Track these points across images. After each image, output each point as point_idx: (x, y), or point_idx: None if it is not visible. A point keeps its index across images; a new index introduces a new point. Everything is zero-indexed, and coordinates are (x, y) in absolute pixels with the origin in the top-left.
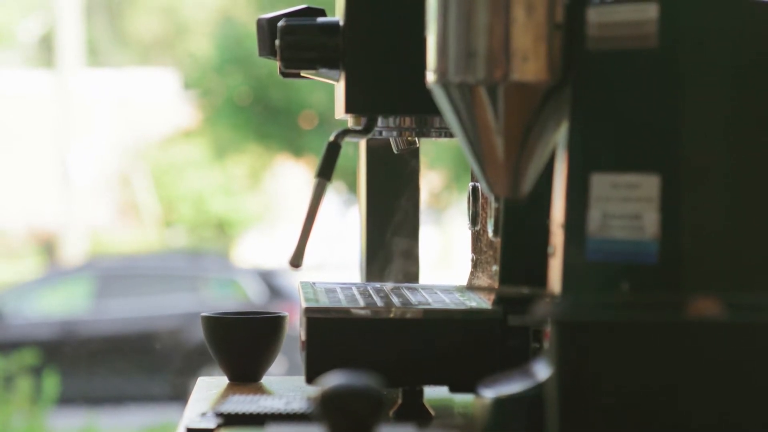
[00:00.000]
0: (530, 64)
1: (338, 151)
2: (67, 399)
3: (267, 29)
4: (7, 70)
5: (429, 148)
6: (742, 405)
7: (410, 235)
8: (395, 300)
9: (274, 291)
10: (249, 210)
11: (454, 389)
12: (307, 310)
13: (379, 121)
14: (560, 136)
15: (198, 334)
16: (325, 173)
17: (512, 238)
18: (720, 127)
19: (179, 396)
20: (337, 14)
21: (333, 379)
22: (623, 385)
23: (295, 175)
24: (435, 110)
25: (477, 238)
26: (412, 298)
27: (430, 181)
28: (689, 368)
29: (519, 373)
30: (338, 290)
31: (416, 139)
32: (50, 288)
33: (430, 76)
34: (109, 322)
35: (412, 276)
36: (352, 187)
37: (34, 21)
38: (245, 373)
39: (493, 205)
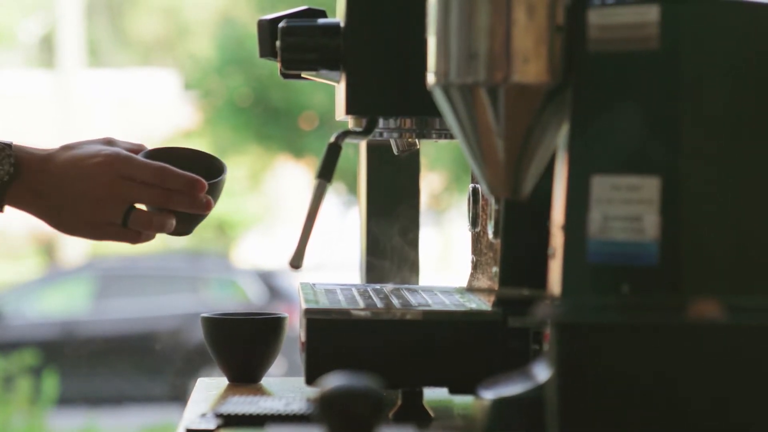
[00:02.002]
0: (531, 65)
1: (339, 153)
2: (66, 399)
3: (268, 30)
4: (7, 70)
5: (429, 149)
6: (742, 407)
7: (410, 237)
8: (395, 301)
9: (274, 292)
10: (249, 211)
11: (453, 391)
12: (307, 311)
13: (380, 123)
14: (561, 138)
15: (198, 334)
16: (326, 174)
17: (512, 239)
18: (721, 129)
19: (179, 397)
20: (338, 15)
21: (333, 381)
22: (623, 387)
23: (295, 176)
24: (435, 112)
25: (477, 240)
26: (412, 299)
27: (430, 182)
28: (690, 370)
29: (519, 375)
30: (338, 291)
31: (416, 140)
32: (50, 288)
33: (431, 78)
34: (109, 323)
35: (412, 277)
36: (353, 188)
37: (35, 21)
38: (245, 374)
39: (494, 206)
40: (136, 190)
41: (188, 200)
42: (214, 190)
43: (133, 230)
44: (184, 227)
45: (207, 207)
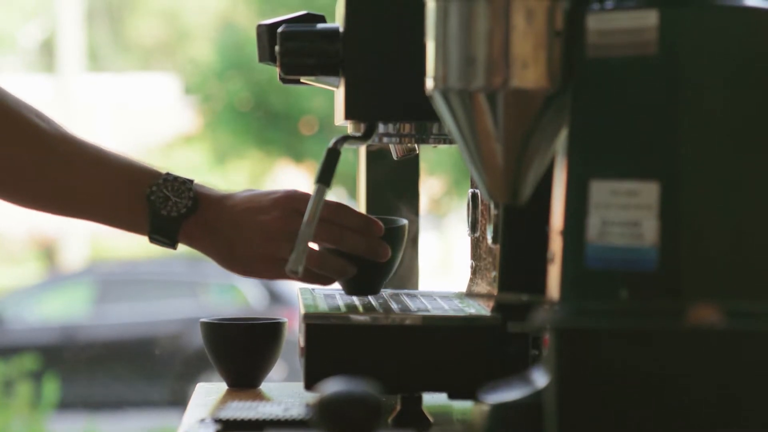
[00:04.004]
0: (530, 71)
1: (337, 158)
2: (66, 404)
3: (267, 35)
4: (8, 74)
5: (429, 154)
6: (742, 413)
7: (410, 242)
8: (394, 306)
9: (274, 296)
10: None
11: (453, 396)
12: (306, 317)
13: (379, 128)
14: (560, 143)
15: (198, 339)
16: (325, 179)
17: (511, 244)
18: (720, 134)
19: (178, 401)
20: (337, 20)
21: (331, 386)
22: (622, 393)
23: (295, 181)
24: (435, 117)
25: (476, 245)
26: (411, 304)
27: (430, 187)
28: (689, 376)
29: (518, 380)
30: (337, 296)
31: (416, 145)
32: (50, 293)
33: (430, 83)
34: (109, 328)
35: (411, 282)
36: (353, 193)
37: (35, 26)
38: (244, 379)
39: (493, 211)
40: None
41: (362, 241)
42: (393, 239)
43: (306, 269)
44: (365, 281)
45: (382, 254)
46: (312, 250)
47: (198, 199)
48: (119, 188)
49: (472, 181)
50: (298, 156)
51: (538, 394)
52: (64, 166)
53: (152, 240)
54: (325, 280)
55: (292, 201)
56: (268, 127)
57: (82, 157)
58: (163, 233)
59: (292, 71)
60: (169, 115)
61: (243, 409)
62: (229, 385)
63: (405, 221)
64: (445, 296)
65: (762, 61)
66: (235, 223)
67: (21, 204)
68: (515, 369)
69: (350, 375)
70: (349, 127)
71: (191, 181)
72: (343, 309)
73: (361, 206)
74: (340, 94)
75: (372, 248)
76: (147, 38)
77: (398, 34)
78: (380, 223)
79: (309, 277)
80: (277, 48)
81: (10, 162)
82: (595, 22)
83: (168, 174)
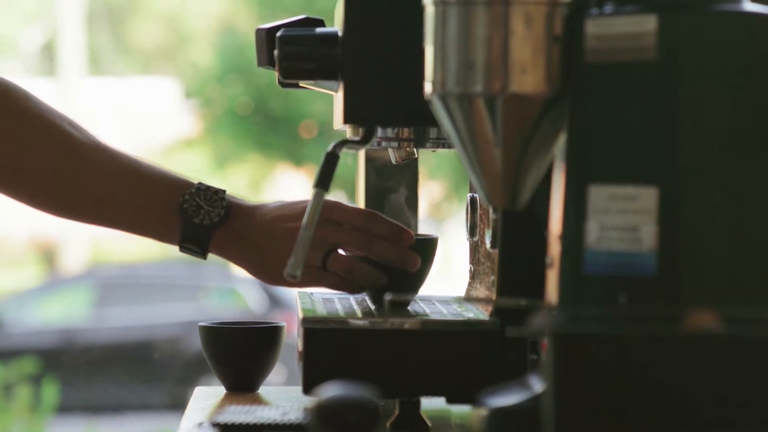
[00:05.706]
0: (529, 76)
1: (336, 162)
2: (66, 407)
3: (265, 39)
4: (9, 78)
5: (429, 158)
6: (740, 419)
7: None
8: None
9: (274, 300)
10: None
11: (451, 400)
12: (305, 321)
13: (378, 132)
14: (558, 148)
15: (197, 343)
16: (323, 184)
17: (510, 249)
18: (719, 139)
19: (178, 405)
20: (336, 25)
21: (329, 390)
22: (620, 398)
23: (295, 184)
24: (433, 121)
25: (475, 249)
26: (410, 308)
27: (430, 191)
28: (687, 381)
29: (516, 385)
30: (336, 301)
31: (415, 149)
32: (50, 296)
33: (429, 87)
34: (109, 331)
35: None
36: (352, 197)
37: (36, 29)
38: (242, 383)
39: (491, 216)
40: (340, 234)
41: (392, 249)
42: (423, 251)
43: (335, 276)
44: (394, 292)
45: (412, 263)
46: (342, 256)
47: (230, 208)
48: (152, 197)
49: (471, 186)
50: (298, 160)
51: (536, 399)
52: (96, 175)
53: (183, 249)
54: (354, 288)
55: (324, 209)
56: (268, 131)
57: (114, 166)
58: (195, 242)
59: (290, 75)
60: (170, 118)
61: (241, 413)
62: (227, 389)
63: (436, 236)
64: (444, 300)
65: (761, 66)
66: (265, 231)
67: (53, 212)
68: (513, 374)
69: (348, 379)
70: (348, 131)
71: (223, 191)
72: (342, 313)
73: None
74: (339, 98)
75: (402, 257)
76: (148, 42)
77: (397, 39)
78: (411, 233)
79: (338, 284)
80: (275, 52)
81: (43, 170)
82: (594, 27)
83: (200, 183)
